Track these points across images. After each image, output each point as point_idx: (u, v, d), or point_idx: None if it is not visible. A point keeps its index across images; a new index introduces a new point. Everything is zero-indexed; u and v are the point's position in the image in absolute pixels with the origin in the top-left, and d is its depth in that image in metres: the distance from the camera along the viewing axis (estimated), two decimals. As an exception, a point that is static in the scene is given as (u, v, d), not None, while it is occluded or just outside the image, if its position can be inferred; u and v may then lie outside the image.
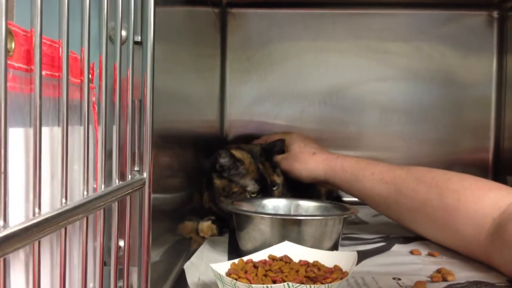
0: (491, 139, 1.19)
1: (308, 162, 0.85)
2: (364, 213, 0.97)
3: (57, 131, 0.30)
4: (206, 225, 0.80)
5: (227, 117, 1.18)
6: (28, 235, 0.24)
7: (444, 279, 0.60)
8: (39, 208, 0.26)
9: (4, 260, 0.23)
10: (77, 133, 0.35)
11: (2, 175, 0.23)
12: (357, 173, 0.79)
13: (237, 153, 0.83)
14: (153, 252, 0.51)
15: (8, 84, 0.24)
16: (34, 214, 0.26)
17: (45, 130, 0.29)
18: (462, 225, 0.67)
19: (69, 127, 0.33)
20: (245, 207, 0.74)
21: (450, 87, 1.18)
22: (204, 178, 0.86)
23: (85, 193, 0.32)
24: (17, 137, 0.27)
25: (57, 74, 0.31)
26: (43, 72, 0.28)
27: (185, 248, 0.71)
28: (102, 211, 0.35)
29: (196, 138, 0.86)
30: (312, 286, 0.49)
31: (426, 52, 1.17)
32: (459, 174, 0.71)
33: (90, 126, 0.39)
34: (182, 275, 0.61)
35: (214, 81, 1.11)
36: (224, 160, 0.82)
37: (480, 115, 1.20)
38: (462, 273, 0.62)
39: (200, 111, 0.90)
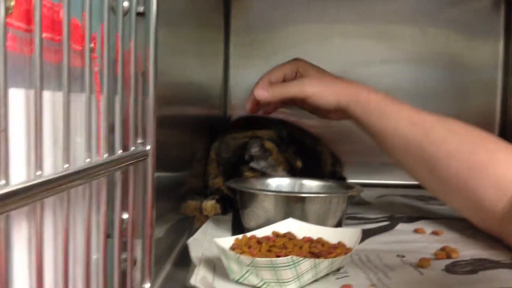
0: (496, 124, 1.19)
1: (335, 84, 0.75)
2: (368, 194, 0.97)
3: (59, 96, 0.30)
4: (210, 204, 0.80)
5: (230, 99, 1.18)
6: (30, 195, 0.23)
7: (448, 257, 0.60)
8: (41, 170, 0.26)
9: (7, 217, 0.22)
10: (79, 101, 0.34)
11: (3, 133, 0.23)
12: (382, 107, 0.71)
13: (267, 143, 0.81)
14: (156, 229, 0.51)
15: (7, 43, 0.23)
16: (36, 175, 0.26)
17: (46, 94, 0.29)
18: (484, 187, 0.63)
19: (71, 94, 0.32)
20: (249, 185, 0.74)
21: (456, 71, 1.17)
22: (219, 164, 0.84)
23: (88, 160, 0.32)
24: (18, 97, 0.26)
25: (57, 38, 0.31)
26: (43, 34, 0.28)
27: (188, 226, 0.71)
28: (105, 180, 0.35)
29: (199, 119, 0.85)
30: (316, 260, 0.49)
31: (431, 35, 1.16)
32: (495, 136, 0.68)
33: (93, 96, 0.39)
34: (185, 251, 0.61)
35: (218, 64, 1.10)
36: (254, 150, 0.79)
37: (486, 100, 1.19)
38: (466, 251, 0.61)
39: (203, 93, 0.90)
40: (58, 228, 0.35)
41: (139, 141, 0.45)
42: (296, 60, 0.80)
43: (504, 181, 0.63)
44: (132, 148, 0.42)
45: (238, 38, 1.17)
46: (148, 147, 0.44)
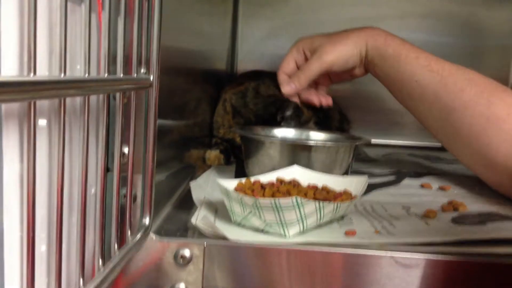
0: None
1: (348, 37, 0.71)
2: (375, 152, 0.95)
3: (56, 2, 0.28)
4: (214, 154, 0.79)
5: (238, 52, 1.15)
6: (22, 90, 0.22)
7: (455, 210, 0.58)
8: (34, 72, 0.24)
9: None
10: (79, 14, 0.32)
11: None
12: (400, 51, 0.68)
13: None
14: (158, 174, 0.49)
15: None
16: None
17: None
18: (498, 141, 0.61)
19: (70, 5, 0.30)
20: (255, 133, 0.72)
21: (470, 31, 1.14)
22: (239, 116, 0.83)
23: (86, 75, 0.30)
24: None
25: None
26: None
27: (190, 173, 0.70)
28: (105, 98, 0.34)
29: (204, 69, 0.83)
30: (321, 203, 0.47)
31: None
32: None
33: (94, 16, 0.37)
34: (187, 195, 0.60)
35: (227, 16, 1.07)
36: (289, 113, 0.77)
37: (499, 64, 1.16)
38: (474, 205, 0.60)
39: (209, 44, 0.87)
40: (53, 156, 0.33)
41: (143, 71, 0.43)
42: (297, 41, 0.77)
43: None
44: (135, 75, 0.40)
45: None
46: (152, 77, 0.42)
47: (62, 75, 0.27)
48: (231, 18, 1.12)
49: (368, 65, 0.72)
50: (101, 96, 0.35)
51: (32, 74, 0.24)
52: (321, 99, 0.78)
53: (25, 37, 0.24)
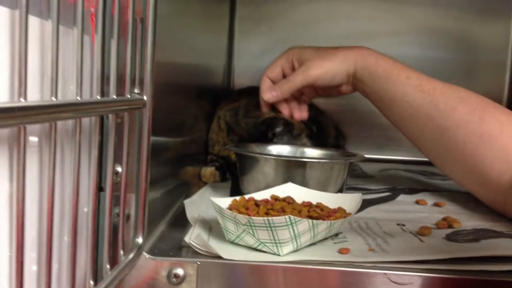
0: (503, 104, 1.16)
1: (337, 54, 0.71)
2: (370, 168, 0.95)
3: (49, 25, 0.28)
4: (209, 171, 0.79)
5: (234, 67, 1.16)
6: (11, 116, 0.22)
7: (450, 226, 0.58)
8: (25, 97, 0.25)
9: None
10: (71, 38, 0.33)
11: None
12: (391, 72, 0.68)
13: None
14: (152, 191, 0.50)
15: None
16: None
17: (34, 20, 0.27)
18: (491, 158, 0.62)
19: (64, 29, 0.31)
20: (249, 150, 0.72)
21: (464, 48, 1.15)
22: (233, 133, 0.83)
23: (78, 98, 0.31)
24: (2, 17, 0.25)
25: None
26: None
27: (185, 190, 0.70)
28: (97, 120, 0.34)
29: (200, 86, 0.83)
30: (314, 221, 0.47)
31: (443, 7, 1.13)
32: (505, 108, 0.65)
33: (87, 38, 0.38)
34: (181, 213, 0.60)
35: (223, 32, 1.08)
36: (279, 129, 0.78)
37: (494, 80, 1.16)
38: (468, 222, 0.60)
39: (206, 60, 0.88)
40: (44, 176, 0.34)
41: (136, 91, 0.43)
42: (288, 50, 0.77)
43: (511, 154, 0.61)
44: (128, 96, 0.40)
45: (243, 11, 1.15)
46: (145, 97, 0.43)
47: (54, 98, 0.27)
48: (227, 34, 1.13)
49: (356, 84, 0.72)
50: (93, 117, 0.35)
51: (22, 98, 0.24)
52: (294, 112, 0.77)
53: (16, 61, 0.24)
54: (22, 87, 0.24)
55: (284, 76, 0.76)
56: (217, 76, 1.04)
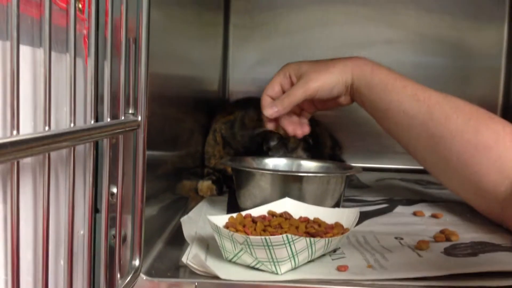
0: (498, 110, 1.16)
1: (335, 66, 0.71)
2: (367, 178, 0.95)
3: (41, 53, 0.28)
4: (206, 185, 0.79)
5: (229, 78, 1.15)
6: (2, 152, 0.22)
7: (448, 239, 0.58)
8: (18, 130, 0.24)
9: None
10: (64, 63, 0.32)
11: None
12: (387, 81, 0.68)
13: (282, 131, 0.79)
14: (149, 208, 0.49)
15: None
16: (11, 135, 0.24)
17: (26, 49, 0.27)
18: (487, 168, 0.62)
19: (56, 55, 0.30)
20: (246, 164, 0.72)
21: (459, 54, 1.15)
22: (229, 147, 0.83)
23: (72, 124, 0.30)
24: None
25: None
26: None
27: (182, 205, 0.69)
28: (91, 147, 0.33)
29: (196, 100, 0.83)
30: (312, 239, 0.47)
31: (437, 14, 1.13)
32: (500, 118, 0.65)
33: (80, 60, 0.37)
34: (178, 231, 0.59)
35: (217, 41, 1.08)
36: (274, 143, 0.78)
37: (488, 86, 1.16)
38: (466, 234, 0.60)
39: (200, 70, 0.88)
40: (38, 200, 0.33)
41: (131, 111, 0.43)
42: (284, 66, 0.76)
43: (507, 163, 0.61)
44: (122, 118, 0.40)
45: (238, 14, 1.15)
46: (140, 118, 0.42)
47: (47, 127, 0.27)
48: (222, 43, 1.13)
49: (354, 94, 0.72)
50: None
51: (15, 131, 0.24)
52: (296, 129, 0.77)
53: (8, 95, 0.24)
54: (14, 120, 0.24)
55: (284, 93, 0.76)
56: (212, 86, 1.03)
